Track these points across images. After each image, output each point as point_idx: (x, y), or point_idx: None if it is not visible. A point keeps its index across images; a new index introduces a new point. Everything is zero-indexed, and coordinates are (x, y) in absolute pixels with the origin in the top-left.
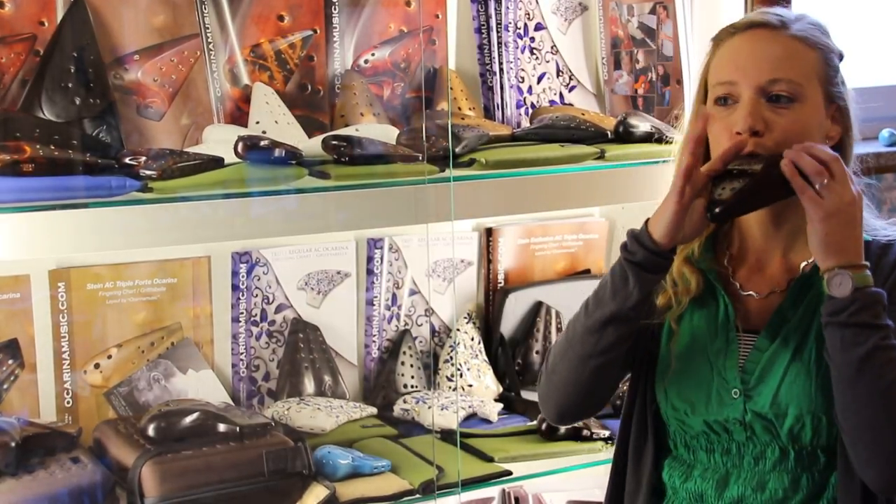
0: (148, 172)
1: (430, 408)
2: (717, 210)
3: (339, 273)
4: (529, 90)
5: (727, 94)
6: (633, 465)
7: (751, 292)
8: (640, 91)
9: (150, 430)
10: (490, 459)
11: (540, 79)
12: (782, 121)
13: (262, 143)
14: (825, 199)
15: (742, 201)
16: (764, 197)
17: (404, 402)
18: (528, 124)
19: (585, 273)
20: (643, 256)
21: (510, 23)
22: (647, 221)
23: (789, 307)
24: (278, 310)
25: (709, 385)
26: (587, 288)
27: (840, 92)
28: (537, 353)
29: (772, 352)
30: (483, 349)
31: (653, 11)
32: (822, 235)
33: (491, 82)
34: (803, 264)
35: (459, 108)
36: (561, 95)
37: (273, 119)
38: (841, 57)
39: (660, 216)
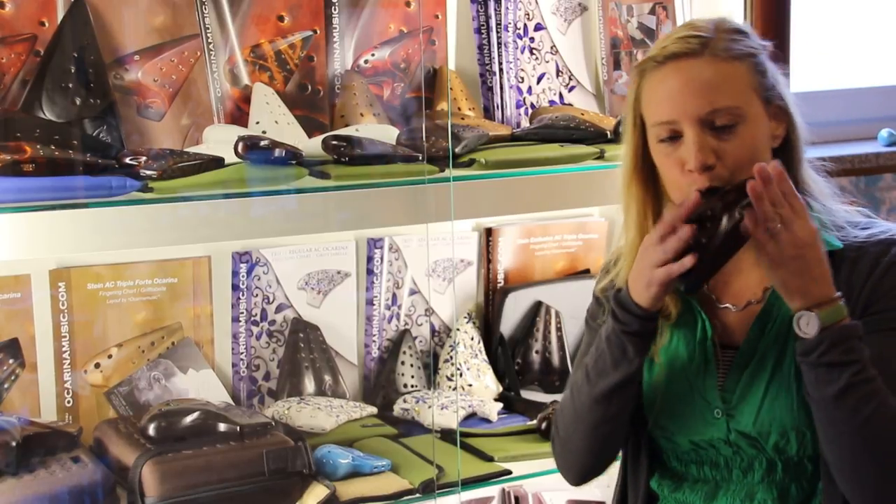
0: (148, 172)
1: (430, 407)
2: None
3: (339, 273)
4: (529, 90)
5: (671, 132)
6: (632, 477)
7: (727, 305)
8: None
9: (151, 430)
10: (490, 459)
11: (539, 79)
12: (731, 147)
13: (263, 143)
14: (780, 244)
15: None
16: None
17: (404, 401)
18: (527, 124)
19: (585, 273)
20: (639, 326)
21: (510, 23)
22: (626, 289)
23: (766, 319)
24: (278, 309)
25: (692, 406)
26: (587, 288)
27: (774, 91)
28: (537, 352)
29: (752, 368)
30: (483, 349)
31: (652, 12)
32: (782, 282)
33: (490, 82)
34: None
35: (459, 109)
36: (560, 95)
37: (273, 119)
38: (771, 53)
39: (641, 291)
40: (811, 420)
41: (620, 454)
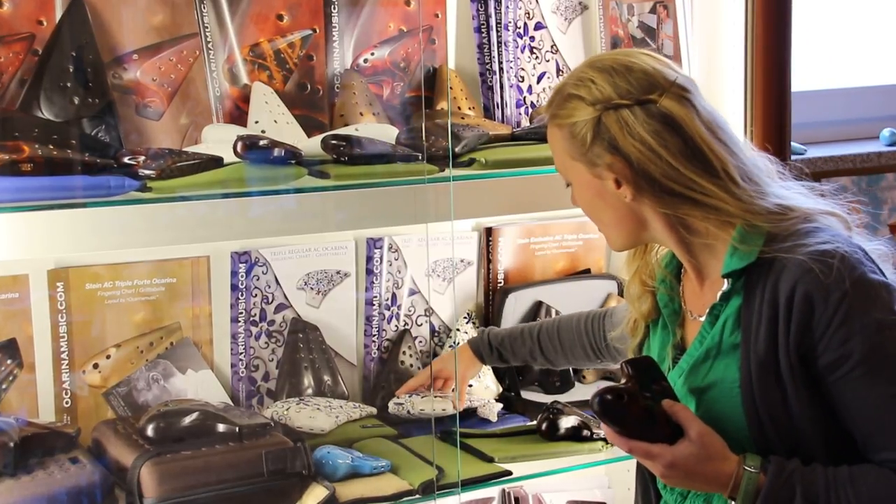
0: (147, 172)
1: (423, 398)
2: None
3: (338, 273)
4: (529, 89)
5: None
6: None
7: (689, 310)
8: None
9: (149, 431)
10: (490, 459)
11: (540, 78)
12: (577, 201)
13: (262, 142)
14: (677, 483)
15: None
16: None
17: (397, 397)
18: (527, 124)
19: (585, 273)
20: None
21: (510, 22)
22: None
23: (703, 336)
24: (278, 310)
25: None
26: (587, 288)
27: (605, 150)
28: None
29: (686, 380)
30: None
31: (653, 11)
32: (695, 492)
33: (491, 82)
34: (719, 292)
35: (459, 108)
36: None
37: (272, 118)
38: (618, 101)
39: None
40: (744, 440)
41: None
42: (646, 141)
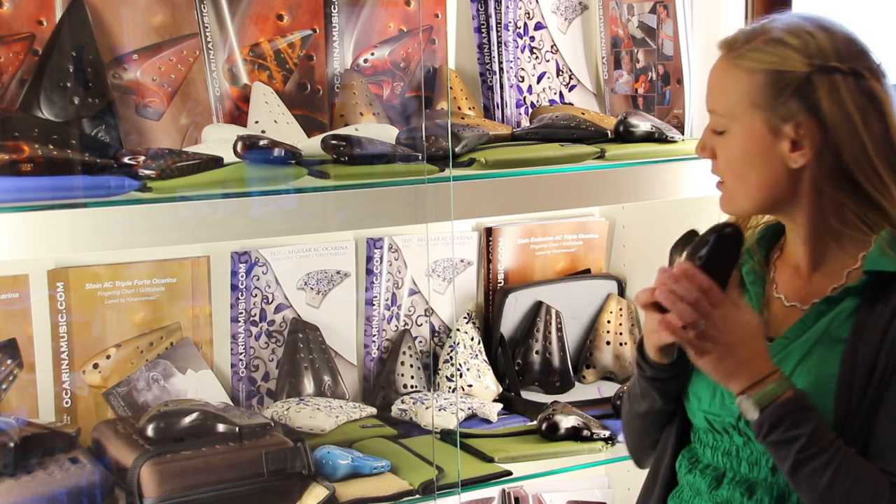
0: (147, 172)
1: (427, 408)
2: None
3: (338, 273)
4: (529, 90)
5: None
6: (660, 451)
7: (782, 296)
8: (641, 90)
9: (149, 431)
10: (490, 460)
11: (540, 78)
12: (722, 151)
13: (262, 142)
14: (705, 338)
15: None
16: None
17: (402, 402)
18: (527, 124)
19: (585, 273)
20: (652, 373)
21: (510, 22)
22: (642, 341)
23: (807, 326)
24: (278, 310)
25: (716, 382)
26: (587, 288)
27: (804, 112)
28: (537, 353)
29: (776, 362)
30: (483, 349)
31: (653, 11)
32: (713, 371)
33: (491, 82)
34: (832, 287)
35: (459, 108)
36: (561, 95)
37: (272, 119)
38: (836, 64)
39: (650, 345)
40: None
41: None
42: (850, 114)
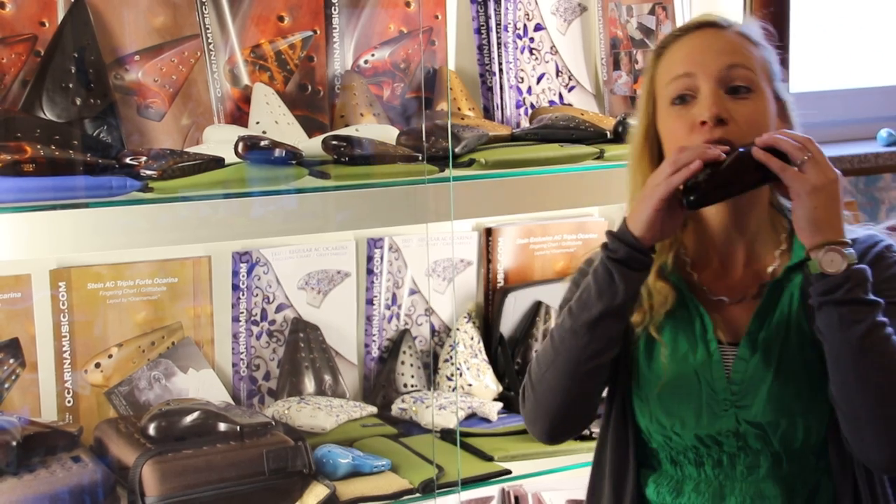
0: (148, 172)
1: (427, 407)
2: (692, 197)
3: (339, 273)
4: (529, 90)
5: (685, 89)
6: (614, 483)
7: (722, 297)
8: (640, 91)
9: (151, 430)
10: (490, 459)
11: (539, 79)
12: (744, 110)
13: (263, 143)
14: (808, 174)
15: (717, 187)
16: (739, 183)
17: (402, 401)
18: (527, 124)
19: None
20: (625, 253)
21: (510, 23)
22: (625, 220)
23: (765, 314)
24: (278, 309)
25: (699, 398)
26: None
27: (783, 90)
28: (537, 352)
29: (757, 359)
30: (483, 349)
31: (652, 12)
32: (811, 210)
33: (490, 83)
34: (770, 269)
35: (459, 109)
36: (560, 96)
37: (273, 119)
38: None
39: (639, 214)
40: (816, 406)
41: (593, 468)
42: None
